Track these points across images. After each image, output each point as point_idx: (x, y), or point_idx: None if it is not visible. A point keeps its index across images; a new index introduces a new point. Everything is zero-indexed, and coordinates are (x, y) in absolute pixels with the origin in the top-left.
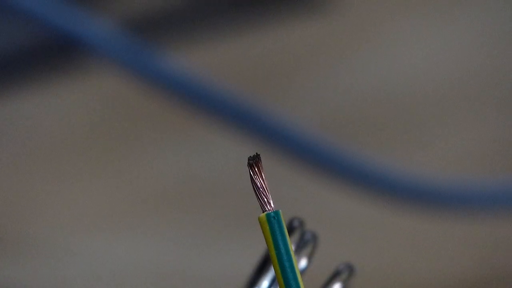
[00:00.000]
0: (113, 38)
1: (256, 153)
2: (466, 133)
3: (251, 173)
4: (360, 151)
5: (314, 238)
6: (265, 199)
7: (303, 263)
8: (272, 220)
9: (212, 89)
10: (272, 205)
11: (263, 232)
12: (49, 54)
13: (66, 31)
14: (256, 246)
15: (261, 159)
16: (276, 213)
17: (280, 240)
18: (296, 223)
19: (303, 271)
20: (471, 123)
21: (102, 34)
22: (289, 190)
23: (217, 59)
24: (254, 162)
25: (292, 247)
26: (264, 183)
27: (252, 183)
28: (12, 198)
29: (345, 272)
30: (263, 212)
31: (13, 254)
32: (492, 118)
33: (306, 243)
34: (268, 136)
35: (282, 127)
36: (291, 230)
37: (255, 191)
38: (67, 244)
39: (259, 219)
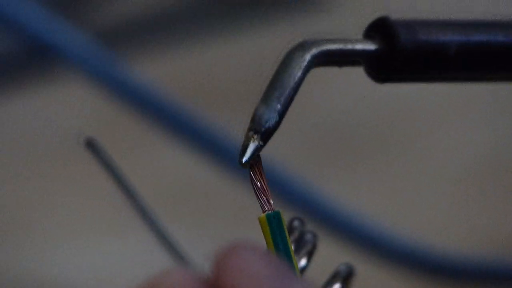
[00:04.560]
0: (84, 48)
1: (256, 153)
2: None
3: (251, 173)
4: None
5: (314, 238)
6: (265, 199)
7: (303, 263)
8: (272, 220)
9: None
10: (272, 205)
11: (263, 232)
12: (32, 59)
13: (43, 39)
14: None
15: (261, 160)
16: (276, 213)
17: (280, 240)
18: (296, 223)
19: (303, 271)
20: (459, 132)
21: (74, 44)
22: None
23: (215, 59)
24: (254, 162)
25: (292, 247)
26: (264, 184)
27: (252, 183)
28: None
29: (345, 272)
30: (263, 212)
31: (11, 249)
32: (478, 131)
33: (306, 243)
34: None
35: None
36: (291, 230)
37: (255, 191)
38: (62, 245)
39: (259, 219)
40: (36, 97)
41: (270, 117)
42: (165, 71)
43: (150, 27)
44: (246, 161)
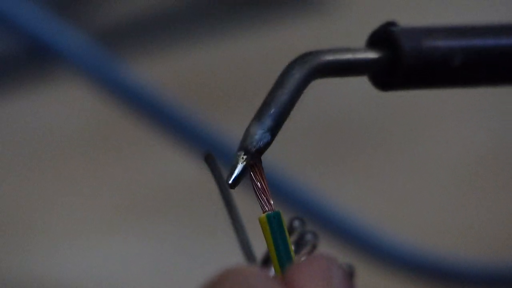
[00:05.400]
0: (84, 48)
1: (257, 153)
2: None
3: (251, 173)
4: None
5: (315, 238)
6: (265, 200)
7: None
8: (272, 220)
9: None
10: (272, 205)
11: (263, 232)
12: (32, 59)
13: (42, 40)
14: (256, 247)
15: (261, 161)
16: (276, 213)
17: (280, 240)
18: (296, 224)
19: None
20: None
21: (73, 44)
22: None
23: (215, 58)
24: (254, 162)
25: (292, 247)
26: (264, 184)
27: (252, 183)
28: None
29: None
30: (264, 212)
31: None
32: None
33: (307, 243)
34: None
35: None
36: (291, 230)
37: (255, 191)
38: (62, 245)
39: (260, 220)
40: (36, 97)
41: (261, 136)
42: (165, 71)
43: (150, 27)
44: (232, 181)
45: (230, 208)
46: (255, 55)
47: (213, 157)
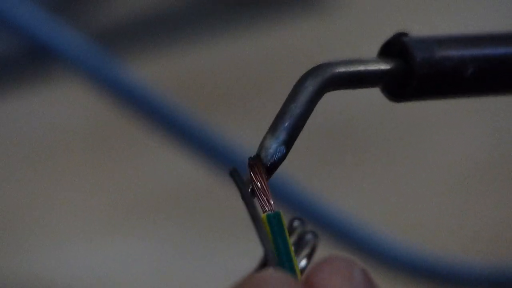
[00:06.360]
0: (83, 49)
1: (256, 153)
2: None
3: (251, 173)
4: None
5: (315, 238)
6: (265, 200)
7: (303, 263)
8: (272, 220)
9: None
10: (272, 205)
11: None
12: (32, 59)
13: (41, 40)
14: (256, 246)
15: (261, 160)
16: (277, 213)
17: (280, 240)
18: (296, 224)
19: (303, 271)
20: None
21: (72, 44)
22: None
23: (215, 59)
24: (254, 162)
25: (292, 248)
26: (264, 184)
27: (252, 183)
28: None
29: None
30: (264, 212)
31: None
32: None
33: (307, 243)
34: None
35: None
36: (291, 230)
37: (255, 191)
38: (62, 245)
39: None
40: (36, 97)
41: (276, 150)
42: (165, 71)
43: (150, 27)
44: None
45: (256, 222)
46: (255, 55)
47: (238, 172)
